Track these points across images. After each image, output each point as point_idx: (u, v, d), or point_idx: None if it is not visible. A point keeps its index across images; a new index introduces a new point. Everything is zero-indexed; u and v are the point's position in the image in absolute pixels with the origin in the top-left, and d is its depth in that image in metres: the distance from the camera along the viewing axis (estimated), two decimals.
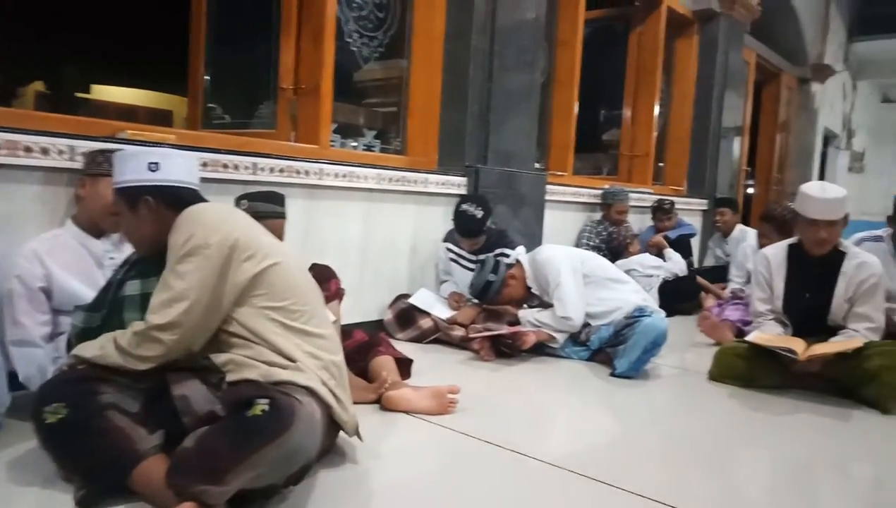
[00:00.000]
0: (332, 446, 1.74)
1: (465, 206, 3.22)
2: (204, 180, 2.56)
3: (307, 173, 2.90)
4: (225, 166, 2.61)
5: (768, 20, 7.10)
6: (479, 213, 3.19)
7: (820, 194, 2.63)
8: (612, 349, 2.81)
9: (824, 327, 2.75)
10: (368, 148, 3.90)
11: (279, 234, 2.41)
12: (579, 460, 1.83)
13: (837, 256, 2.72)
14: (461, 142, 3.61)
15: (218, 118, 3.80)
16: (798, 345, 2.52)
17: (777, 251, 2.86)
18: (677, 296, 4.29)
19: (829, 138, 9.79)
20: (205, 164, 2.55)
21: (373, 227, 3.26)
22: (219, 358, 1.49)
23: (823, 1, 8.62)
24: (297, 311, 1.57)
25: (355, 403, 2.13)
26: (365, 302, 3.24)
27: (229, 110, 3.72)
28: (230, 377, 1.47)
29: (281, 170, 2.80)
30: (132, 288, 1.57)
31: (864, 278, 2.65)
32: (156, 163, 1.57)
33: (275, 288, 1.54)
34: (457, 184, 3.58)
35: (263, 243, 1.58)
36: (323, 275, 2.39)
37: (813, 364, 2.50)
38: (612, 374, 2.73)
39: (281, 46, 3.21)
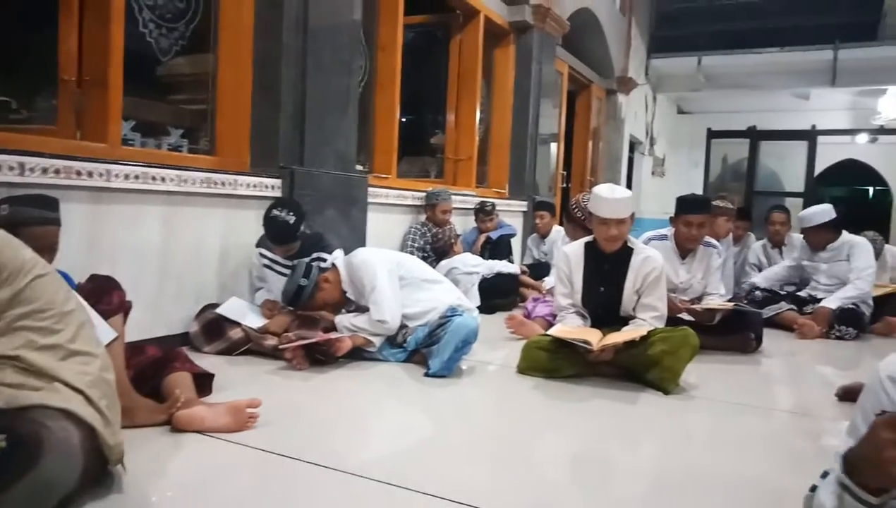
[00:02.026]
0: (102, 470, 1.55)
1: (275, 212, 3.08)
2: None
3: (91, 174, 2.61)
4: None
5: (578, 35, 7.67)
6: (292, 219, 3.07)
7: (609, 195, 2.85)
8: (426, 349, 2.84)
9: (618, 318, 2.98)
10: (175, 148, 3.62)
11: (52, 242, 2.13)
12: (388, 467, 1.79)
13: (627, 252, 2.96)
14: (275, 142, 3.46)
15: None
16: (593, 336, 2.71)
17: (576, 249, 3.06)
18: (496, 293, 4.46)
19: (634, 145, 10.79)
20: None
21: (175, 233, 3.01)
22: None
23: (625, 20, 9.49)
24: (56, 329, 1.43)
25: (142, 426, 1.97)
26: (168, 315, 3.00)
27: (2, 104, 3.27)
28: None
29: (57, 171, 2.49)
30: None
31: (648, 271, 2.91)
32: None
33: (33, 304, 1.39)
34: (270, 186, 3.43)
35: (22, 258, 1.42)
36: (103, 287, 2.14)
37: (605, 353, 2.70)
38: (426, 374, 2.75)
39: (60, 32, 2.87)
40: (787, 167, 13.08)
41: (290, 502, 1.60)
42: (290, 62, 3.47)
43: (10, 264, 1.37)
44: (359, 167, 4.48)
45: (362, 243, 3.95)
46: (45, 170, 2.45)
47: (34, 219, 2.09)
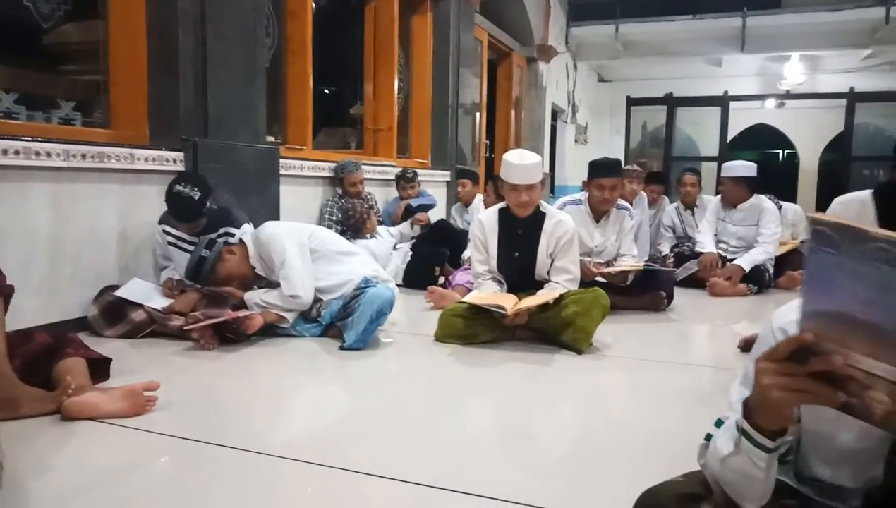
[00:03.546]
0: None
1: (178, 187, 2.92)
2: None
3: None
4: None
5: (496, 3, 7.61)
6: (196, 194, 2.92)
7: (518, 161, 2.85)
8: (342, 322, 2.78)
9: (533, 282, 3.01)
10: (67, 121, 3.38)
11: None
12: (308, 446, 1.74)
13: (539, 217, 2.98)
14: (175, 113, 3.27)
15: None
16: (508, 301, 2.72)
17: (490, 215, 3.05)
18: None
19: (556, 113, 10.90)
20: None
21: (67, 212, 2.82)
22: None
23: None
24: None
25: (29, 417, 1.85)
26: (64, 299, 2.82)
27: None
28: None
29: None
30: None
31: (560, 235, 2.94)
32: None
33: None
34: (172, 160, 3.25)
35: None
36: None
37: (520, 317, 2.72)
38: (342, 347, 2.70)
39: None
40: (702, 132, 13.54)
41: (205, 488, 1.52)
42: (187, 29, 3.28)
43: None
44: (270, 138, 4.32)
45: (276, 217, 3.83)
46: None
47: None
